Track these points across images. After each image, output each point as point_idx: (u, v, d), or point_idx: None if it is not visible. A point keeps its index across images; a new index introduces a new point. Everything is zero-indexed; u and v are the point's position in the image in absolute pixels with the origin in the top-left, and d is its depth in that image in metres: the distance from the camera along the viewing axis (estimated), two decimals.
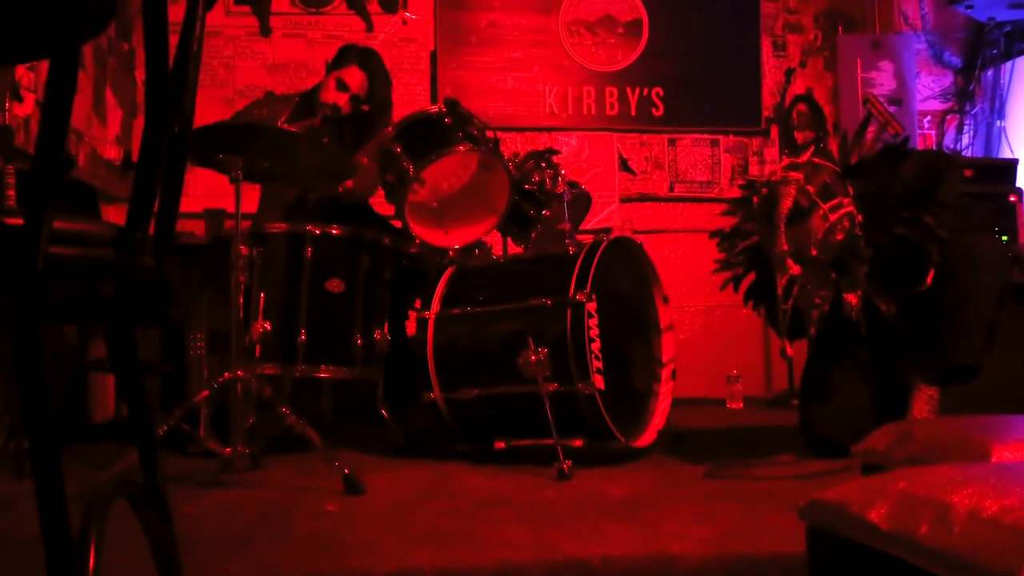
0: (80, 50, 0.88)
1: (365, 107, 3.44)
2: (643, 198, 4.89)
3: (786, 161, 2.60)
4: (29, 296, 0.81)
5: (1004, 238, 3.75)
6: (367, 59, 3.46)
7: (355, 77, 3.40)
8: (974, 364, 2.56)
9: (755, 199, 2.59)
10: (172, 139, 1.04)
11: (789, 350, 2.64)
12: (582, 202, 3.46)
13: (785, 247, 2.47)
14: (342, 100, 3.39)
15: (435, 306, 2.82)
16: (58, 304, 1.04)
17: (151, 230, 1.06)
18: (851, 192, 2.52)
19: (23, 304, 0.81)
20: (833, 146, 2.72)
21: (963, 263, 2.54)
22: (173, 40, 1.05)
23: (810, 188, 2.49)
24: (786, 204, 2.47)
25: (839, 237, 2.50)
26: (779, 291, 2.50)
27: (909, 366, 2.64)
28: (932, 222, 2.49)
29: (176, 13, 1.03)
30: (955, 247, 2.52)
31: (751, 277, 2.74)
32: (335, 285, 2.84)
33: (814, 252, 2.48)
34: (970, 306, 2.54)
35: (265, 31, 4.67)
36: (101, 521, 0.91)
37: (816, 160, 2.54)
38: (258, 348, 2.68)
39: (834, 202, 2.49)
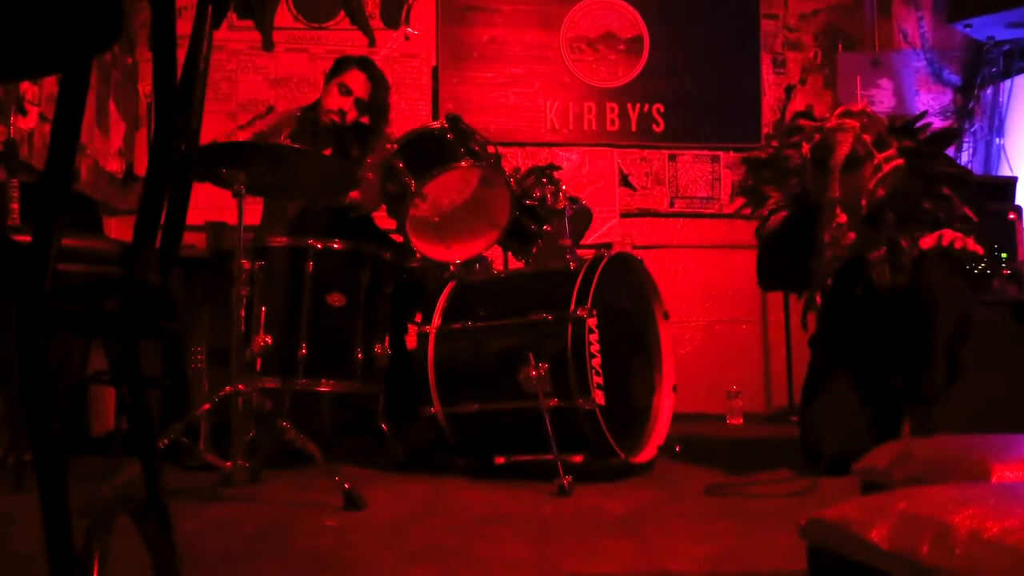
0: (91, 66, 0.89)
1: (365, 118, 3.45)
2: (643, 213, 4.91)
3: (841, 109, 2.61)
4: (36, 313, 0.81)
5: (1004, 255, 3.76)
6: (366, 64, 3.48)
7: (357, 80, 3.42)
8: (932, 395, 2.56)
9: (805, 145, 2.59)
10: (179, 157, 1.04)
11: (811, 322, 2.64)
12: (583, 217, 3.47)
13: (838, 194, 2.46)
14: (347, 104, 3.40)
15: (436, 321, 2.83)
16: (63, 318, 1.04)
17: (156, 245, 1.06)
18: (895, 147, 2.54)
19: (30, 321, 0.81)
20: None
21: (924, 297, 2.55)
22: (179, 54, 1.06)
23: (866, 137, 2.49)
24: (843, 151, 2.47)
25: (884, 191, 2.50)
26: (826, 238, 2.50)
27: (896, 385, 2.65)
28: (957, 203, 2.51)
29: (183, 27, 1.04)
30: (920, 280, 2.53)
31: (774, 220, 2.76)
32: (336, 299, 2.85)
33: (863, 203, 2.49)
34: (928, 338, 2.54)
35: (268, 46, 4.70)
36: (105, 537, 0.91)
37: (870, 111, 2.55)
38: (259, 362, 2.68)
39: (889, 152, 2.50)
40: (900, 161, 2.50)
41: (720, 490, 2.40)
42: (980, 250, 2.46)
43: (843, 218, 2.46)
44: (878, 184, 2.48)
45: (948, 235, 2.49)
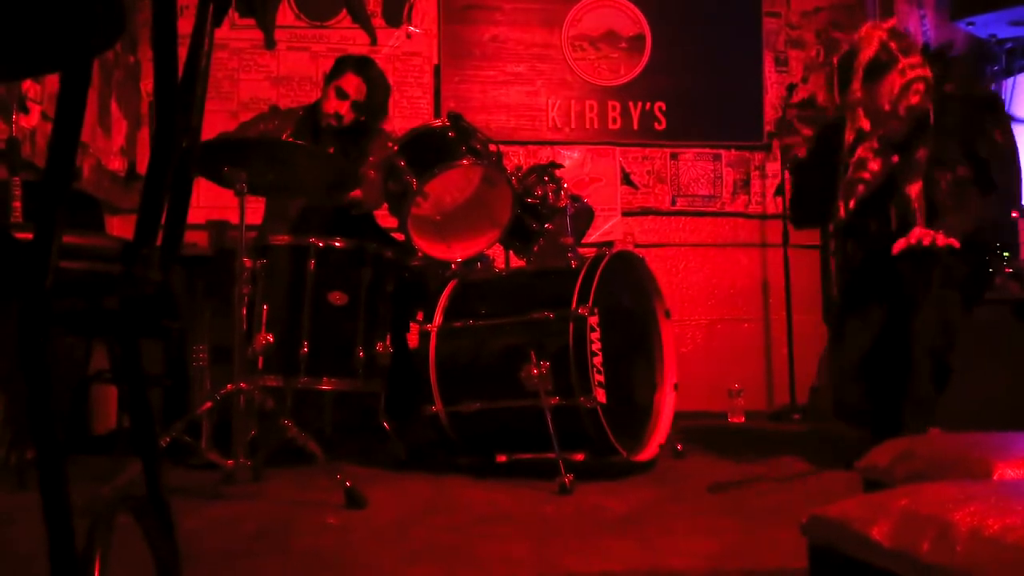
0: (92, 64, 0.89)
1: (363, 117, 3.46)
2: (645, 212, 4.90)
3: (870, 23, 2.64)
4: (37, 310, 0.81)
5: (1006, 254, 3.75)
6: (363, 66, 3.49)
7: (352, 83, 3.43)
8: (920, 396, 2.56)
9: (835, 59, 2.62)
10: (180, 155, 1.04)
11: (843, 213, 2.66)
12: (584, 216, 3.47)
13: (859, 95, 2.47)
14: (344, 108, 3.41)
15: (437, 319, 2.83)
16: (64, 317, 1.04)
17: (158, 243, 1.06)
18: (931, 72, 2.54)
19: (31, 318, 0.81)
20: None
21: (903, 304, 2.53)
22: (181, 53, 1.06)
23: (891, 45, 2.51)
24: (867, 54, 2.50)
25: (913, 100, 2.50)
26: (848, 138, 2.51)
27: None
28: (1001, 140, 2.51)
29: (184, 25, 1.04)
30: (902, 288, 2.52)
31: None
32: (338, 298, 2.85)
33: (887, 107, 2.49)
34: (910, 344, 2.53)
35: (270, 44, 4.69)
36: (106, 535, 0.91)
37: (901, 29, 2.59)
38: (260, 360, 2.68)
39: (914, 59, 2.51)
40: (927, 71, 2.50)
41: (722, 488, 2.39)
42: (955, 242, 2.44)
43: (866, 124, 2.47)
44: (903, 89, 2.48)
45: (916, 233, 2.48)
